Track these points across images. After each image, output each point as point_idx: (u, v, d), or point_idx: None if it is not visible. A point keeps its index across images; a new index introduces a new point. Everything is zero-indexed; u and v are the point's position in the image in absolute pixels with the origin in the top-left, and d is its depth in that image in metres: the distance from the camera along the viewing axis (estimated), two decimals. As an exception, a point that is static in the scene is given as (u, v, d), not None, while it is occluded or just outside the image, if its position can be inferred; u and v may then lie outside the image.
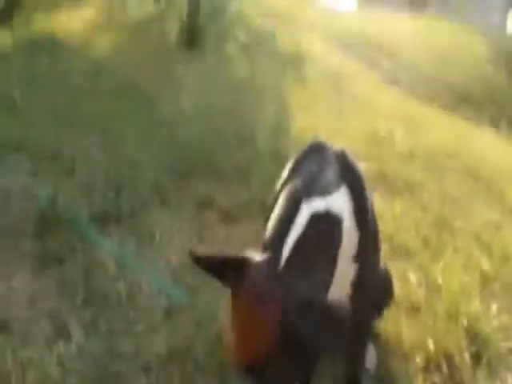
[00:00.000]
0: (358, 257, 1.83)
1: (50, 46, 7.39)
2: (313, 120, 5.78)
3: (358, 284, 1.88)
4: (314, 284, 1.54)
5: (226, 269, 1.52)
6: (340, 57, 10.92)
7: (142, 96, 5.76)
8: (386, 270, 2.58)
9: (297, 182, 1.78)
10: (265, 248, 1.63)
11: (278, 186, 1.97)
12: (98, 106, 5.15)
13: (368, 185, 1.96)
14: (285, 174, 1.96)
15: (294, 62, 8.96)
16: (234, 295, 1.49)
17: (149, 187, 3.73)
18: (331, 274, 1.66)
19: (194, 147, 4.42)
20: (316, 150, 1.95)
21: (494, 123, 9.14)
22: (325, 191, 1.73)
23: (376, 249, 2.05)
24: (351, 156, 1.96)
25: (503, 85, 13.10)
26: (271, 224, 1.71)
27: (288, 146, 4.57)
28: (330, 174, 1.82)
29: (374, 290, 2.10)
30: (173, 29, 9.39)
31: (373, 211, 2.03)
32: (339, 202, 1.76)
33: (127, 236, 3.22)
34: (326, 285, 1.63)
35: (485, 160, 5.70)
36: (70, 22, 9.13)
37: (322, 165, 1.86)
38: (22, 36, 7.95)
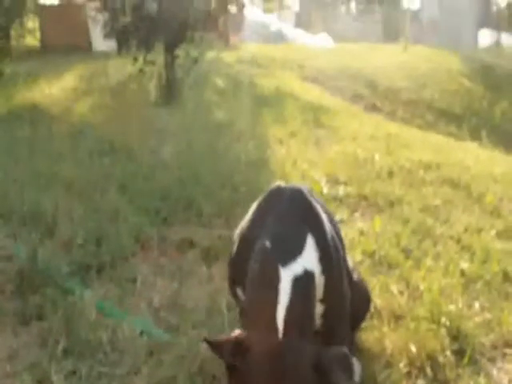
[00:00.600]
0: (324, 299, 1.89)
1: (31, 114, 7.50)
2: (292, 153, 5.84)
3: (325, 318, 1.94)
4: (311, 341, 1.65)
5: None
6: (320, 92, 11.05)
7: (122, 151, 5.82)
8: (362, 282, 2.60)
9: (266, 245, 1.81)
10: (254, 321, 1.69)
11: (239, 232, 2.02)
12: (77, 166, 5.22)
13: (329, 209, 2.02)
14: (246, 221, 2.01)
15: (273, 101, 9.06)
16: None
17: (129, 236, 3.74)
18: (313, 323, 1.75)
19: (174, 193, 4.47)
20: (276, 195, 2.01)
21: (475, 135, 9.21)
22: (296, 251, 1.79)
23: (342, 268, 2.07)
24: (309, 194, 2.03)
25: (481, 97, 13.21)
26: (249, 292, 1.77)
27: (267, 178, 4.61)
28: (295, 227, 1.88)
29: (343, 320, 2.13)
30: (151, 85, 9.53)
31: (337, 233, 2.10)
32: (310, 257, 1.83)
33: (108, 284, 3.23)
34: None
35: (464, 169, 5.73)
36: (51, 91, 9.28)
37: (284, 215, 1.91)
38: (3, 107, 8.08)
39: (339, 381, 1.52)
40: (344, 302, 2.09)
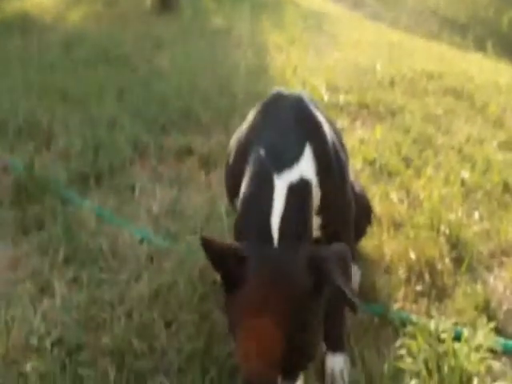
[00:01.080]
0: (323, 209, 1.83)
1: (22, 24, 7.34)
2: (292, 60, 5.74)
3: (326, 230, 1.90)
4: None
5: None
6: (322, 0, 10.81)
7: (118, 60, 5.74)
8: (364, 194, 2.59)
9: (261, 153, 1.73)
10: (247, 231, 1.63)
11: (235, 140, 1.96)
12: (72, 75, 5.14)
13: (330, 117, 1.95)
14: (243, 128, 1.94)
15: (273, 8, 8.87)
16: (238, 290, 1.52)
17: (127, 144, 3.72)
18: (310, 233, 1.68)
19: (172, 101, 4.43)
20: (275, 101, 1.92)
21: (480, 45, 9.05)
22: (293, 159, 1.70)
23: (345, 178, 2.02)
24: (310, 101, 1.94)
25: (487, 4, 12.91)
26: (243, 202, 1.69)
27: (267, 86, 4.54)
28: (293, 135, 1.78)
29: (346, 231, 2.10)
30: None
31: (340, 142, 2.02)
32: (307, 165, 1.73)
33: (107, 193, 3.23)
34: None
35: (468, 79, 5.65)
36: (41, 0, 9.05)
37: (282, 122, 1.83)
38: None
39: (335, 279, 1.48)
40: (347, 212, 2.06)
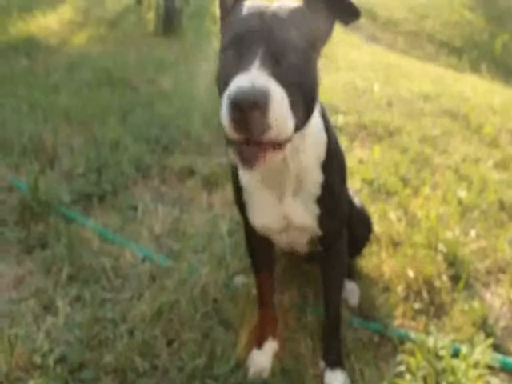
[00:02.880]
0: (319, 199, 1.83)
1: (28, 46, 7.41)
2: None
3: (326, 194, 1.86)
4: None
5: None
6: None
7: (121, 82, 5.79)
8: (364, 209, 2.62)
9: None
10: None
11: None
12: (76, 97, 5.19)
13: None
14: None
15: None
16: None
17: (130, 165, 3.76)
18: None
19: (174, 122, 4.48)
20: None
21: (475, 67, 9.13)
22: None
23: (344, 181, 2.03)
24: None
25: (482, 28, 13.02)
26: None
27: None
28: None
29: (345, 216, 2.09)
30: (149, 16, 9.39)
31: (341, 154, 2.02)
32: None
33: (110, 213, 3.26)
34: None
35: (464, 100, 5.73)
36: (47, 22, 9.14)
37: None
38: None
39: None
40: (344, 206, 1.99)
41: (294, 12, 1.48)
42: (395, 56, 8.99)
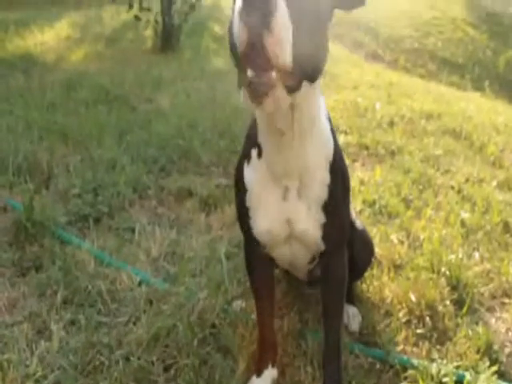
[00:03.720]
0: (325, 206, 1.82)
1: (25, 63, 7.41)
2: (292, 101, 5.77)
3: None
4: None
5: None
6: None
7: (118, 100, 5.76)
8: (366, 231, 2.58)
9: None
10: None
11: None
12: (72, 115, 5.16)
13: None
14: None
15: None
16: None
17: (127, 186, 3.71)
18: None
19: (172, 142, 4.44)
20: None
21: (478, 85, 9.13)
22: None
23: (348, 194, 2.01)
24: None
25: (485, 46, 13.06)
26: None
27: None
28: None
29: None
30: (147, 33, 9.41)
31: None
32: None
33: (107, 234, 3.21)
34: None
35: (466, 119, 5.71)
36: (44, 38, 9.15)
37: None
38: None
39: None
40: (347, 218, 2.00)
41: None
42: (397, 74, 8.99)
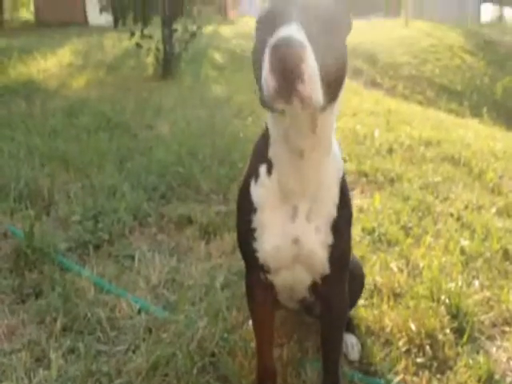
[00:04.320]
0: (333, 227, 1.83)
1: (27, 89, 7.46)
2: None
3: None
4: None
5: None
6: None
7: (119, 126, 5.80)
8: (355, 258, 2.58)
9: None
10: None
11: None
12: (74, 142, 5.19)
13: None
14: None
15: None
16: None
17: (127, 213, 3.72)
18: None
19: (172, 169, 4.45)
20: None
21: (476, 111, 9.18)
22: None
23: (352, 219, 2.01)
24: None
25: (482, 73, 13.14)
26: None
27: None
28: None
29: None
30: (149, 60, 9.48)
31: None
32: None
33: (107, 261, 3.21)
34: None
35: (465, 146, 5.73)
36: (47, 65, 9.22)
37: None
38: (-1, 82, 8.03)
39: None
40: (350, 244, 2.00)
41: None
42: (395, 101, 9.04)
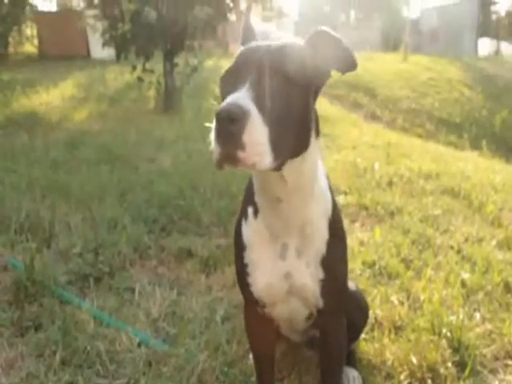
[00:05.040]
0: (323, 261, 1.83)
1: (29, 122, 7.50)
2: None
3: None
4: None
5: None
6: (319, 100, 11.00)
7: (120, 159, 5.82)
8: (359, 290, 2.57)
9: None
10: None
11: None
12: (75, 174, 5.20)
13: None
14: None
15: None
16: None
17: (128, 245, 3.72)
18: None
19: (173, 202, 4.45)
20: None
21: (476, 144, 9.21)
22: None
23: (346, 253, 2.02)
24: None
25: (481, 106, 13.21)
26: None
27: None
28: None
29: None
30: (150, 93, 9.54)
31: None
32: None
33: (107, 294, 3.20)
34: None
35: (464, 178, 5.74)
36: (49, 98, 9.28)
37: None
38: (1, 114, 8.07)
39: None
40: (345, 276, 2.01)
41: (293, 48, 1.58)
42: (395, 134, 9.08)
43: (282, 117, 1.45)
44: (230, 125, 1.34)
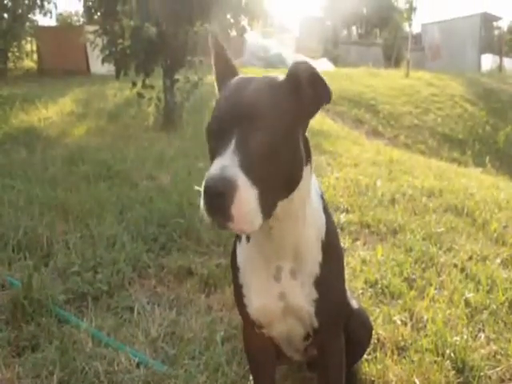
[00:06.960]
0: (318, 282, 1.83)
1: (28, 137, 7.49)
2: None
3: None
4: None
5: None
6: (320, 117, 11.04)
7: (119, 176, 5.79)
8: (362, 310, 2.53)
9: None
10: None
11: None
12: (73, 191, 5.17)
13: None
14: None
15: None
16: None
17: (126, 264, 3.67)
18: None
19: (172, 219, 4.41)
20: None
21: (479, 160, 9.19)
22: None
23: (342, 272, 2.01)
24: None
25: (484, 122, 13.21)
26: None
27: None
28: None
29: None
30: (150, 110, 9.54)
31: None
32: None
33: (105, 313, 3.16)
34: None
35: (468, 196, 5.70)
36: (48, 114, 9.28)
37: None
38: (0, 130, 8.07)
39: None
40: (342, 293, 2.04)
41: (274, 89, 1.57)
42: (398, 151, 9.05)
43: (272, 171, 1.47)
44: (218, 199, 1.37)
